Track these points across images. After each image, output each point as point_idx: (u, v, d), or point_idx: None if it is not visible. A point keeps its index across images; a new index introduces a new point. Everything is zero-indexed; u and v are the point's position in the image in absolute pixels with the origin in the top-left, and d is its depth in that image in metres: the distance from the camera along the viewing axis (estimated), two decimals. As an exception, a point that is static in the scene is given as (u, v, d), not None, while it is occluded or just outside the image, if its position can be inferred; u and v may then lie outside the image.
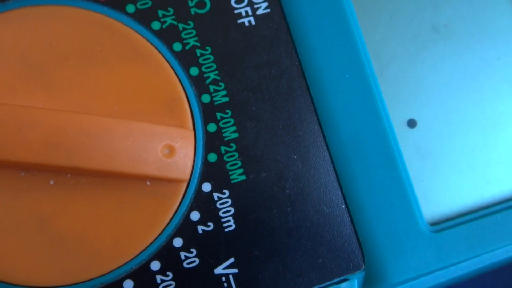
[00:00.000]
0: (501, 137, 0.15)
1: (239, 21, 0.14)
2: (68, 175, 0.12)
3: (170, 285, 0.12)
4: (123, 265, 0.12)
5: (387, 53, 0.15)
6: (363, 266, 0.14)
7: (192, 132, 0.13)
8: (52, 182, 0.12)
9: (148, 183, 0.13)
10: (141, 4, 0.13)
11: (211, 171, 0.13)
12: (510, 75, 0.15)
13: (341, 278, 0.14)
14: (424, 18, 0.15)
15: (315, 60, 0.14)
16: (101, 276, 0.12)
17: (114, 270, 0.12)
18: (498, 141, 0.15)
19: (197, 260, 0.13)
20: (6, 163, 0.12)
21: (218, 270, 0.13)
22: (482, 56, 0.15)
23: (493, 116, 0.15)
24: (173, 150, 0.13)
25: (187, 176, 0.13)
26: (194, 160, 0.13)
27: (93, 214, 0.12)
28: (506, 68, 0.15)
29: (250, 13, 0.14)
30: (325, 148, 0.14)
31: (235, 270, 0.13)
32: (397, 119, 0.15)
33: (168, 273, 0.13)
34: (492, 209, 0.15)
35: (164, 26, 0.14)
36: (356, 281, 0.14)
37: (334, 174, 0.14)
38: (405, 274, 0.14)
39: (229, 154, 0.14)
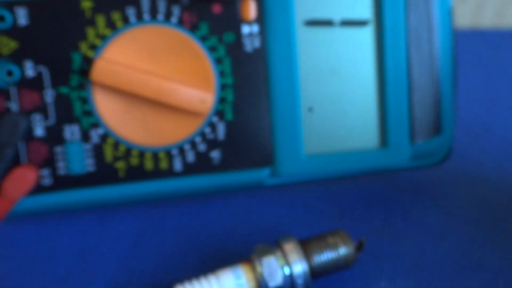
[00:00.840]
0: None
1: (245, 49, 0.26)
2: (156, 105, 0.26)
3: (203, 146, 0.27)
4: (184, 138, 0.27)
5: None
6: (273, 163, 0.28)
7: (213, 95, 0.26)
8: (151, 104, 0.26)
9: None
10: (201, 31, 0.26)
11: (219, 113, 0.27)
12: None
13: (263, 167, 0.28)
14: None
15: (271, 74, 0.27)
16: (170, 144, 0.27)
17: (178, 141, 0.27)
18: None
19: (206, 144, 0.27)
20: (135, 96, 0.26)
21: (212, 152, 0.27)
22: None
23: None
24: (204, 101, 0.26)
25: (207, 113, 0.26)
26: (212, 107, 0.26)
27: (167, 120, 0.26)
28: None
29: (252, 44, 0.26)
30: (268, 101, 0.27)
31: (218, 152, 0.27)
32: (302, 105, 0.27)
33: (203, 142, 0.27)
34: (344, 151, 0.28)
35: (207, 43, 0.26)
36: (268, 170, 0.28)
37: (269, 116, 0.27)
38: (289, 172, 0.28)
39: (227, 107, 0.27)
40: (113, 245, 0.26)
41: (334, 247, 0.23)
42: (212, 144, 0.27)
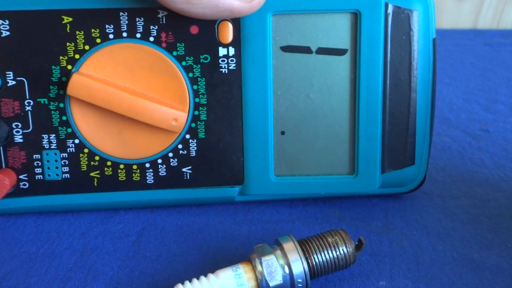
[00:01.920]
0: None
1: (221, 71, 0.27)
2: (131, 119, 0.27)
3: (175, 161, 0.28)
4: (157, 153, 0.28)
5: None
6: (243, 183, 0.28)
7: (187, 114, 0.27)
8: (126, 118, 0.27)
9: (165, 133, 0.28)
10: (177, 51, 0.27)
11: (192, 131, 0.28)
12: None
13: (233, 185, 0.28)
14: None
15: (246, 95, 0.27)
16: (143, 157, 0.28)
17: (151, 155, 0.28)
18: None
19: (178, 159, 0.28)
20: (110, 110, 0.26)
21: (184, 167, 0.28)
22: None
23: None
24: (177, 120, 0.27)
25: (180, 130, 0.27)
26: (185, 125, 0.27)
27: (140, 134, 0.27)
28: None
29: (228, 66, 0.27)
30: (241, 122, 0.28)
31: (190, 168, 0.28)
32: (275, 128, 0.28)
33: (175, 157, 0.28)
34: (315, 176, 0.28)
35: (183, 62, 0.27)
36: (237, 188, 0.28)
37: (242, 136, 0.28)
38: (258, 191, 0.28)
39: (200, 125, 0.28)
40: (113, 245, 0.27)
41: (334, 246, 0.23)
42: (184, 160, 0.28)
